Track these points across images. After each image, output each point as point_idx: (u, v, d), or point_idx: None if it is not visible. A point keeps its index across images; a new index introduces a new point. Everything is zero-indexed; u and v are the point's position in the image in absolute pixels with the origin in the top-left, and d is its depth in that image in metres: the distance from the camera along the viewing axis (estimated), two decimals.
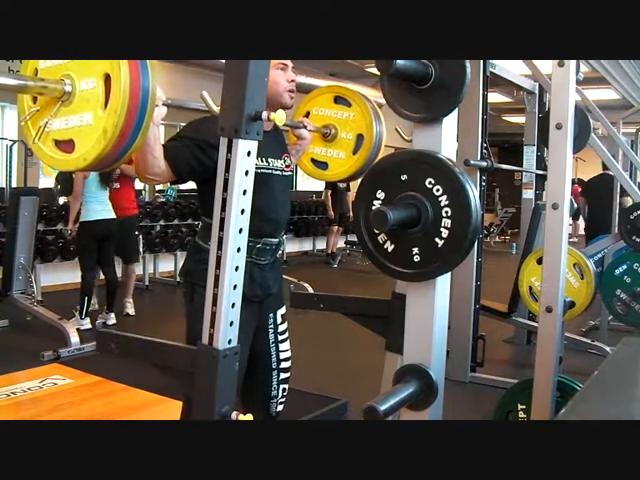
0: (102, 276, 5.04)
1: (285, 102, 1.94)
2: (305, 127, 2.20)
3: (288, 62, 1.96)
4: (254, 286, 1.91)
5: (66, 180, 5.93)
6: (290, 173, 2.08)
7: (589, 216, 6.82)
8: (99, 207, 4.67)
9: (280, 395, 2.07)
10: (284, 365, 2.08)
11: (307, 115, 2.41)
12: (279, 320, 2.08)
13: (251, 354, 1.95)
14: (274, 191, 1.96)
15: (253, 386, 2.03)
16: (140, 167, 1.69)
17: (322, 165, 2.41)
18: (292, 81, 1.95)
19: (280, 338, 2.08)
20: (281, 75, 1.92)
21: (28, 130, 1.33)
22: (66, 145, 1.28)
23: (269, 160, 1.94)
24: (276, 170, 1.98)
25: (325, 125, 2.36)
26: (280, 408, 2.08)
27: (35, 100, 1.32)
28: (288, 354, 2.10)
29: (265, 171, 1.92)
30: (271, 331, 2.05)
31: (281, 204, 2.02)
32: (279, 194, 1.99)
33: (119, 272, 5.36)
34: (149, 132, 1.32)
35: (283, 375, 2.08)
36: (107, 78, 1.20)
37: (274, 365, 2.05)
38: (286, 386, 2.09)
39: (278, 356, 2.06)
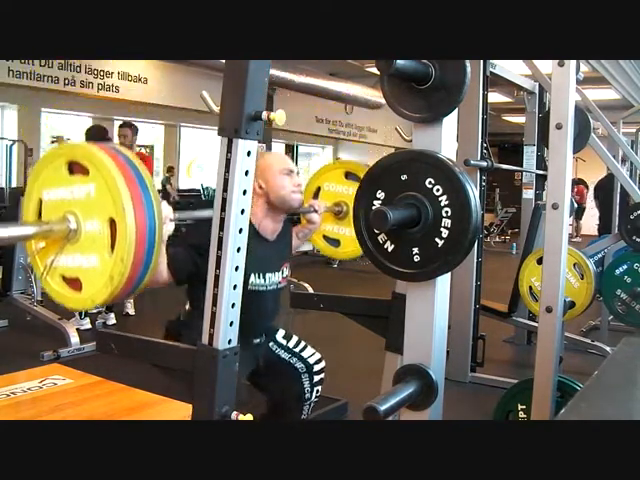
0: None
1: (292, 205, 2.01)
2: (316, 211, 2.20)
3: (294, 168, 2.01)
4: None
5: None
6: (285, 283, 2.09)
7: (601, 215, 6.84)
8: None
9: (313, 397, 2.12)
10: (317, 368, 2.15)
11: (318, 190, 2.42)
12: (283, 341, 2.15)
13: (275, 373, 2.01)
14: (266, 304, 2.02)
15: (278, 390, 2.10)
16: None
17: (334, 242, 2.43)
18: (298, 185, 2.01)
19: (296, 350, 2.14)
20: (287, 180, 1.98)
21: (36, 265, 1.34)
22: (73, 282, 1.29)
23: (267, 276, 1.97)
24: (271, 285, 2.00)
25: (336, 203, 2.36)
26: (311, 408, 2.15)
27: None
28: (317, 356, 2.17)
29: (260, 288, 1.95)
30: (281, 352, 2.13)
31: (271, 313, 2.09)
32: (270, 305, 2.06)
33: None
34: None
35: (317, 377, 2.16)
36: (113, 221, 1.21)
37: (302, 369, 2.13)
38: (320, 388, 2.15)
39: (305, 362, 2.13)
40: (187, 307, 2.04)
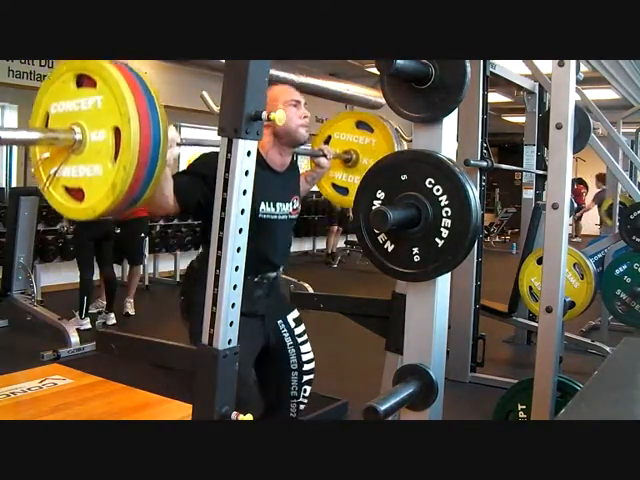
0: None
1: (299, 138, 1.97)
2: (325, 155, 2.19)
3: (300, 98, 1.98)
4: (254, 305, 1.93)
5: None
6: (296, 215, 2.08)
7: None
8: None
9: (301, 396, 2.09)
10: (307, 367, 2.11)
11: (329, 139, 2.41)
12: (292, 324, 2.11)
13: (270, 360, 2.00)
14: (277, 235, 1.98)
15: (273, 387, 2.07)
16: (149, 201, 1.71)
17: (342, 190, 2.42)
18: (305, 117, 1.97)
19: (299, 340, 2.11)
20: (294, 112, 1.95)
21: (39, 175, 1.34)
22: (76, 192, 1.29)
23: (277, 205, 1.95)
24: (282, 215, 1.98)
25: (346, 151, 2.36)
26: (301, 407, 2.11)
27: None
28: (310, 356, 2.13)
29: (270, 217, 1.93)
30: (287, 335, 2.09)
31: (282, 246, 2.05)
32: (281, 237, 2.02)
33: (119, 272, 5.34)
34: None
35: (306, 377, 2.11)
36: (117, 130, 1.21)
37: (294, 366, 2.08)
38: (309, 387, 2.12)
39: (300, 358, 2.09)
40: (200, 250, 2.03)
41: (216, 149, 1.38)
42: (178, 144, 1.53)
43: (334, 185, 2.43)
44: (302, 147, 2.08)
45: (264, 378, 2.07)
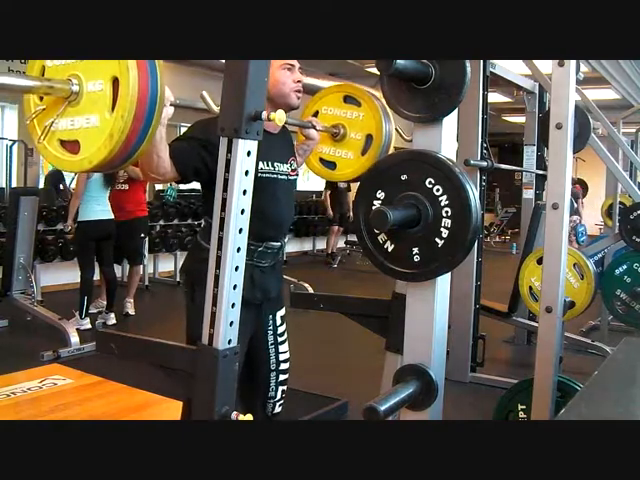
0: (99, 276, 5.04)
1: (292, 103, 1.94)
2: (314, 127, 2.18)
3: (295, 62, 1.94)
4: (254, 289, 1.90)
5: (56, 187, 6.01)
6: (296, 177, 2.06)
7: None
8: (97, 208, 4.66)
9: (279, 397, 2.06)
10: (283, 367, 2.07)
11: (316, 114, 2.39)
12: (278, 322, 2.07)
13: (250, 356, 1.95)
14: (278, 196, 1.95)
15: (252, 387, 2.03)
16: (145, 166, 1.69)
17: (330, 165, 2.40)
18: (299, 82, 1.94)
19: (279, 340, 2.07)
20: (288, 75, 1.91)
21: (34, 129, 1.32)
22: (71, 145, 1.28)
23: (275, 164, 1.94)
24: (282, 175, 1.96)
25: (334, 125, 2.34)
26: (278, 409, 2.07)
27: (41, 98, 1.31)
28: (287, 355, 2.10)
29: (270, 176, 1.91)
30: (270, 333, 2.05)
31: (285, 208, 2.01)
32: (283, 198, 1.98)
33: (119, 272, 5.32)
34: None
35: (282, 377, 2.07)
36: (115, 80, 1.20)
37: (273, 366, 2.05)
38: (285, 387, 2.08)
39: (277, 358, 2.06)
40: (202, 223, 2.02)
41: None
42: (172, 104, 1.52)
43: (321, 160, 2.41)
44: (290, 119, 2.06)
45: (242, 378, 2.04)
